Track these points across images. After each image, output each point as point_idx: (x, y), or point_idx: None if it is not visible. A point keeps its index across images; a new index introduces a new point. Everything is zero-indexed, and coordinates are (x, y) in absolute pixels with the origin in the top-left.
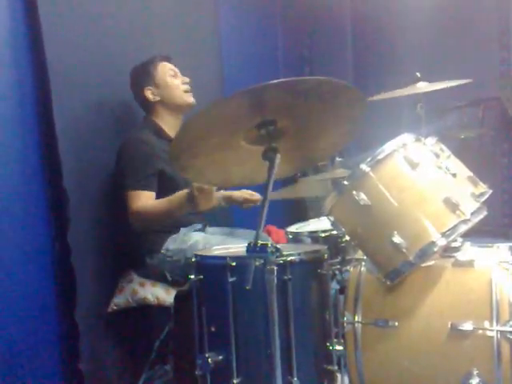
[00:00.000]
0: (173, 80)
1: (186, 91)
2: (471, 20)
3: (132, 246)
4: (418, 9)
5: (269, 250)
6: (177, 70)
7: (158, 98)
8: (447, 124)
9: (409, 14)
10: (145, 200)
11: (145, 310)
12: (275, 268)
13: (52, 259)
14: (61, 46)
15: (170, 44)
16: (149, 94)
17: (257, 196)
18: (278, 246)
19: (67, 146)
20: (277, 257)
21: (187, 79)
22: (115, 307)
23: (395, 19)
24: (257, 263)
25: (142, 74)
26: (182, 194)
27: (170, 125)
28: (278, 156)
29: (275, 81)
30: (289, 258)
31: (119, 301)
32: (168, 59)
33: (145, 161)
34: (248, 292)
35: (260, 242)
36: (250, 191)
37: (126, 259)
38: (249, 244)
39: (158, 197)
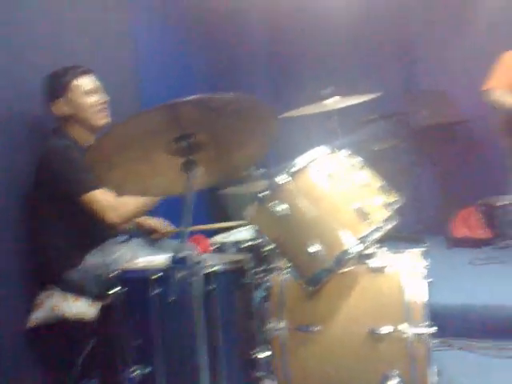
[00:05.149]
0: (87, 99)
1: (99, 111)
2: (382, 36)
3: (52, 260)
4: (332, 25)
5: (191, 262)
6: (97, 83)
7: (69, 112)
8: (362, 136)
9: (322, 32)
10: (106, 196)
11: (67, 325)
12: (199, 279)
13: None
14: None
15: (85, 55)
16: (58, 108)
17: (168, 228)
18: (202, 256)
19: None
20: (200, 267)
21: (104, 99)
22: (34, 323)
23: (309, 38)
24: (179, 275)
25: (56, 86)
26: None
27: (83, 138)
28: (197, 169)
29: (186, 98)
30: (212, 269)
31: (38, 316)
32: (88, 72)
33: (84, 163)
34: (172, 304)
35: (183, 253)
36: (162, 222)
37: (46, 274)
38: (171, 256)
39: None
